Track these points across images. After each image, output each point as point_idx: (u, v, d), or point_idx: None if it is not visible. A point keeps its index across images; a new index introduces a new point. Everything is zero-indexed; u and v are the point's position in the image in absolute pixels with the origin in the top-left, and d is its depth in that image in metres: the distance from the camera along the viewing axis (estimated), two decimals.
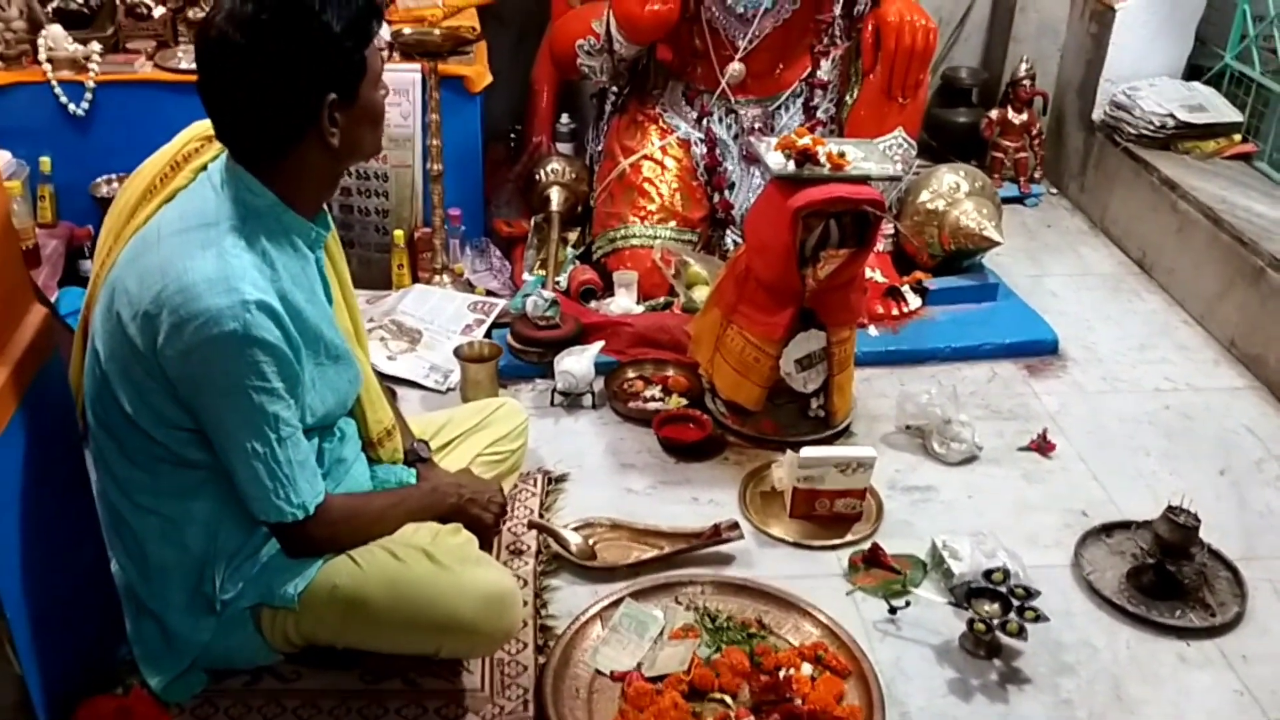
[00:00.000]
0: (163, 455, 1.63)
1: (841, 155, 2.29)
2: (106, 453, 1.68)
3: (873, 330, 2.86)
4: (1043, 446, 2.50)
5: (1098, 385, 2.77)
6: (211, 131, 1.64)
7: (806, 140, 2.30)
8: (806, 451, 2.20)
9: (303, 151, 1.57)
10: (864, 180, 2.29)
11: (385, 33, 2.93)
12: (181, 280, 1.50)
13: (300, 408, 1.63)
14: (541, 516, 2.23)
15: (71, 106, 2.78)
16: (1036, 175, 3.76)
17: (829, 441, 2.46)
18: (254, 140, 1.57)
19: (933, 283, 3.00)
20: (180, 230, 1.56)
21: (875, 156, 2.37)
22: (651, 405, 2.57)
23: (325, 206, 1.71)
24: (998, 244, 2.97)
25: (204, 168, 1.65)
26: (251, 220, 1.57)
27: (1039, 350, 2.86)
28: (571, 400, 2.60)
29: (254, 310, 1.50)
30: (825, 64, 3.08)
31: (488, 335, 2.80)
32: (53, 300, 2.66)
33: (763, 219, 2.37)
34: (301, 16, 1.50)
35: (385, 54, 2.90)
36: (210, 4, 2.91)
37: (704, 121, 3.07)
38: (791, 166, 2.28)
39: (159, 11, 2.89)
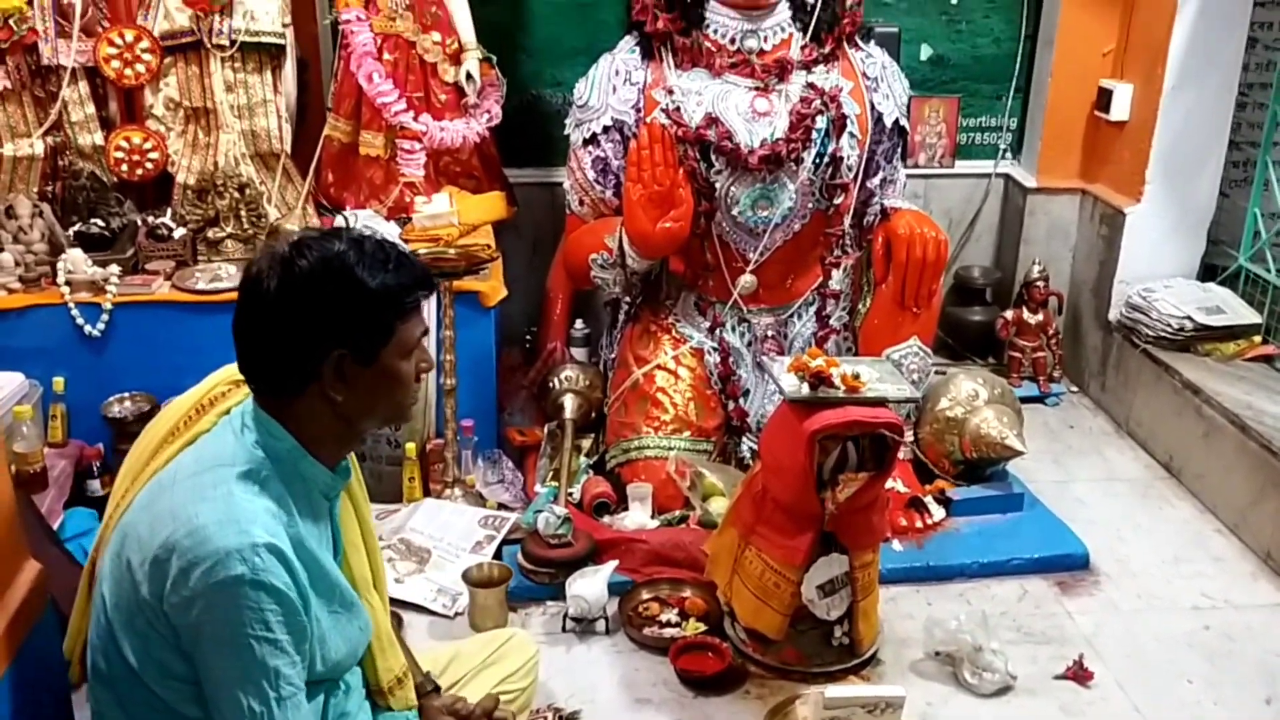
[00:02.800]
0: (161, 709, 1.55)
1: (856, 377, 2.26)
2: (104, 706, 1.59)
3: (896, 544, 2.77)
4: (1080, 675, 2.37)
5: (1133, 603, 2.65)
6: (238, 376, 1.63)
7: (820, 362, 2.27)
8: (832, 690, 2.08)
9: (311, 400, 1.54)
10: (881, 403, 2.25)
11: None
12: (192, 524, 1.45)
13: (306, 663, 1.56)
14: None
15: (87, 328, 2.80)
16: (1055, 374, 3.73)
17: (855, 670, 2.34)
18: (267, 381, 1.56)
19: (956, 492, 2.93)
20: (195, 473, 1.52)
21: (890, 377, 2.34)
22: (668, 631, 2.47)
23: (349, 456, 1.68)
24: (1021, 454, 2.91)
25: (228, 411, 1.63)
26: (269, 464, 1.53)
27: (1070, 565, 2.76)
28: (584, 626, 2.51)
29: (263, 553, 1.44)
30: (837, 274, 3.10)
31: (499, 552, 2.73)
32: (58, 523, 2.63)
33: (778, 441, 2.32)
34: (335, 269, 1.50)
35: None
36: (228, 224, 2.99)
37: (717, 331, 3.06)
38: (805, 389, 2.24)
39: (179, 232, 2.95)
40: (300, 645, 1.52)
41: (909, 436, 2.96)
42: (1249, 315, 3.33)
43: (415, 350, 1.60)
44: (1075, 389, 3.76)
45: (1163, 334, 3.33)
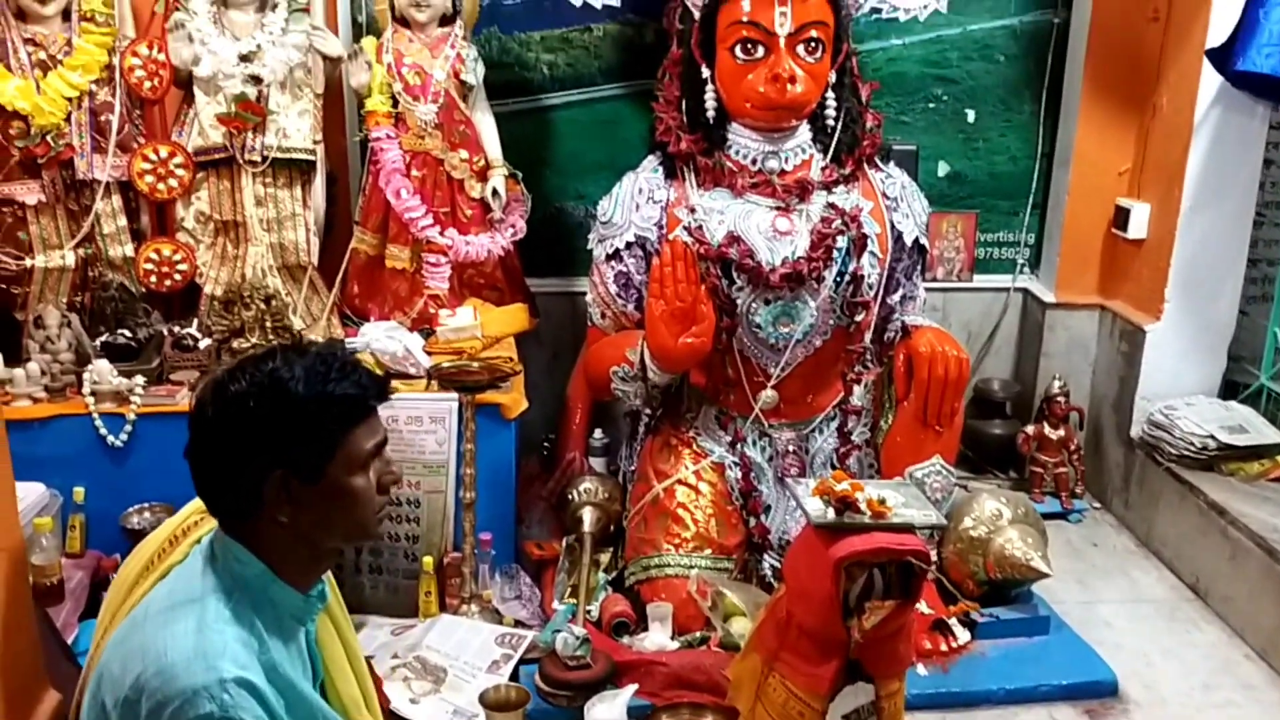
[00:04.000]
0: None
1: (883, 502, 2.23)
2: None
3: (921, 669, 2.72)
4: None
5: None
6: None
7: (845, 485, 2.25)
8: None
9: (266, 524, 1.52)
10: (908, 529, 2.23)
11: (425, 361, 2.99)
12: (160, 662, 1.42)
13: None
14: None
15: (110, 438, 2.81)
16: (1078, 490, 3.70)
17: None
18: (220, 507, 1.54)
19: (981, 614, 2.88)
20: (166, 608, 1.50)
21: (916, 502, 2.31)
22: None
23: (325, 577, 1.65)
24: (1047, 576, 2.87)
25: (199, 541, 1.62)
26: (239, 591, 1.51)
27: (1098, 692, 2.71)
28: None
29: (231, 689, 1.41)
30: (858, 390, 3.10)
31: (515, 671, 2.68)
32: (73, 637, 2.60)
33: (802, 566, 2.29)
34: (266, 387, 1.49)
35: (425, 384, 2.94)
36: (253, 335, 3.01)
37: (738, 446, 3.05)
38: (831, 514, 2.22)
39: (205, 343, 2.97)
40: None
41: (931, 555, 2.92)
42: (1272, 435, 3.31)
43: (372, 462, 1.57)
44: (1098, 505, 3.73)
45: (1186, 452, 3.31)
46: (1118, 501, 3.65)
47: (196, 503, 1.71)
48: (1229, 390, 3.57)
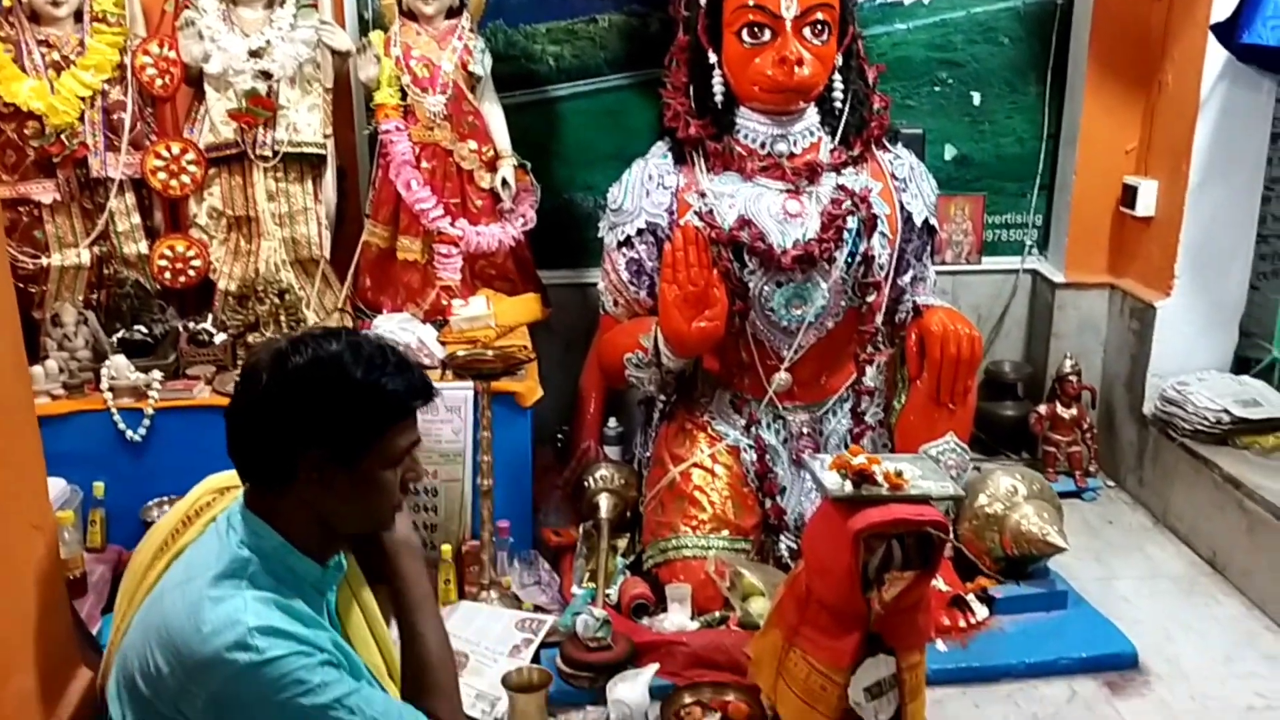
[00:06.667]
0: None
1: (899, 474, 2.24)
2: None
3: (940, 644, 2.73)
4: None
5: (1186, 704, 2.59)
6: (222, 484, 1.66)
7: (862, 459, 2.26)
8: None
9: (292, 499, 1.55)
10: (924, 500, 2.24)
11: (439, 352, 3.00)
12: (184, 633, 1.45)
13: (349, 660, 1.53)
14: None
15: (129, 433, 2.83)
16: (1091, 469, 3.71)
17: None
18: (252, 472, 1.57)
19: (998, 590, 2.89)
20: (184, 581, 1.53)
21: (933, 474, 2.32)
22: None
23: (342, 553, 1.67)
24: (1063, 550, 2.87)
25: (214, 520, 1.64)
26: (256, 561, 1.53)
27: (1118, 664, 2.71)
28: None
29: (257, 636, 1.44)
30: (870, 370, 3.11)
31: (536, 655, 2.70)
32: (96, 629, 2.61)
33: (821, 540, 2.30)
34: (326, 367, 1.52)
35: (440, 374, 2.95)
36: (268, 329, 3.03)
37: (752, 429, 3.06)
38: (849, 487, 2.23)
39: (220, 338, 2.99)
40: (336, 661, 1.50)
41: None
42: None
43: (403, 461, 1.60)
44: (1112, 483, 3.73)
45: (1200, 427, 3.31)
46: (1132, 479, 3.66)
47: (207, 483, 1.73)
48: (1240, 366, 3.56)
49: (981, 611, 2.83)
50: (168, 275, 3.09)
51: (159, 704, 1.47)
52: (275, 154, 3.07)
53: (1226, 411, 3.28)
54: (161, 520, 1.73)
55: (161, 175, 3.04)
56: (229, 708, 1.45)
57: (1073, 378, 3.64)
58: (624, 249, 3.05)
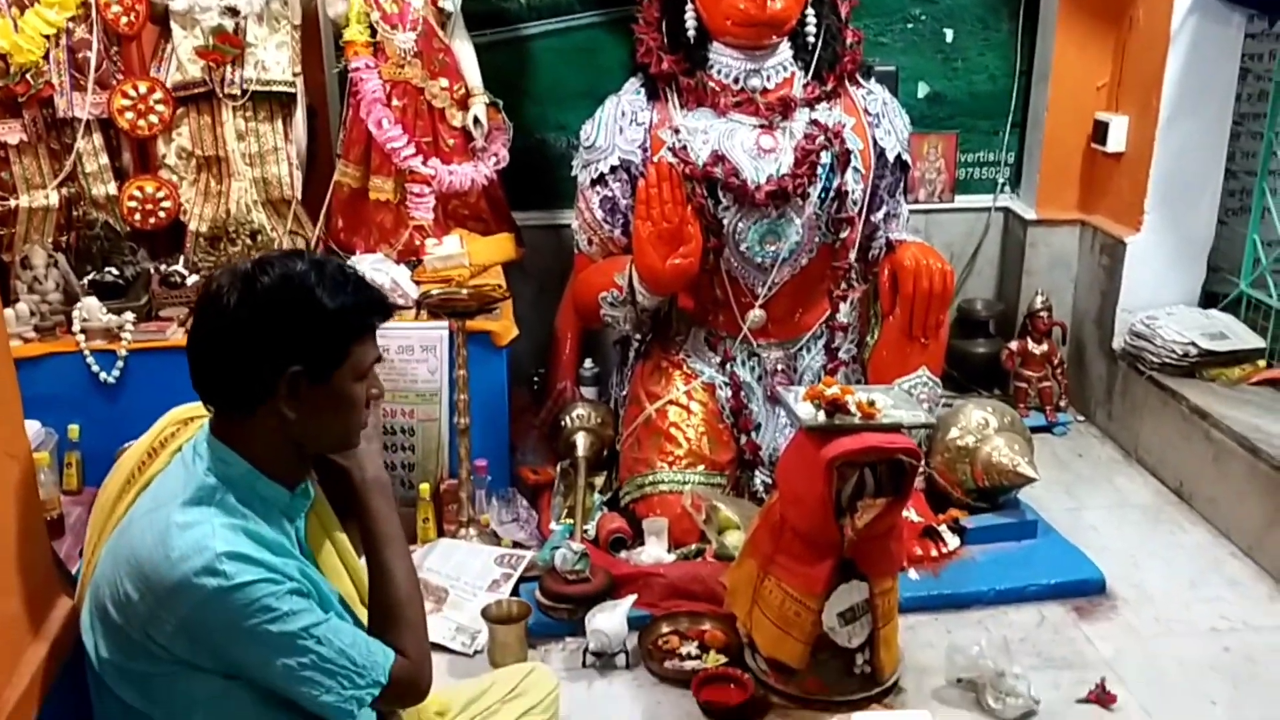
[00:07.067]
0: None
1: (871, 404, 2.28)
2: None
3: (913, 573, 2.77)
4: (1103, 698, 2.37)
5: (1152, 627, 2.65)
6: (186, 415, 1.67)
7: (835, 389, 2.29)
8: (857, 717, 2.08)
9: (263, 420, 1.55)
10: (896, 428, 2.27)
11: (413, 292, 3.00)
12: (153, 559, 1.46)
13: (318, 591, 1.56)
14: None
15: (103, 375, 2.82)
16: (1061, 404, 3.76)
17: (878, 699, 2.34)
18: (222, 397, 1.57)
19: (969, 521, 2.94)
20: (151, 509, 1.54)
21: (905, 404, 2.36)
22: (689, 664, 2.47)
23: (309, 480, 1.68)
24: (1034, 480, 2.92)
25: (179, 450, 1.64)
26: (223, 488, 1.54)
27: (1086, 590, 2.77)
28: (605, 661, 2.50)
29: (225, 560, 1.45)
30: (844, 307, 3.13)
31: (515, 590, 2.73)
32: (75, 570, 2.62)
33: (795, 470, 2.33)
34: (295, 287, 1.53)
35: (414, 314, 2.96)
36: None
37: (727, 366, 3.08)
38: (822, 417, 2.26)
39: (192, 279, 2.97)
40: (304, 590, 1.52)
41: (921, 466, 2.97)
42: (1252, 340, 3.36)
43: (369, 375, 1.64)
44: (1081, 418, 3.78)
45: (1167, 361, 3.36)
46: (1101, 413, 3.71)
47: (172, 414, 1.73)
48: (1208, 300, 3.61)
49: (953, 541, 2.88)
50: (137, 216, 3.06)
51: (130, 631, 1.49)
52: (244, 92, 3.03)
53: (1194, 345, 3.32)
54: (127, 453, 1.73)
55: (129, 115, 3.00)
56: (198, 633, 1.47)
57: (1043, 314, 3.68)
58: (597, 186, 3.04)
